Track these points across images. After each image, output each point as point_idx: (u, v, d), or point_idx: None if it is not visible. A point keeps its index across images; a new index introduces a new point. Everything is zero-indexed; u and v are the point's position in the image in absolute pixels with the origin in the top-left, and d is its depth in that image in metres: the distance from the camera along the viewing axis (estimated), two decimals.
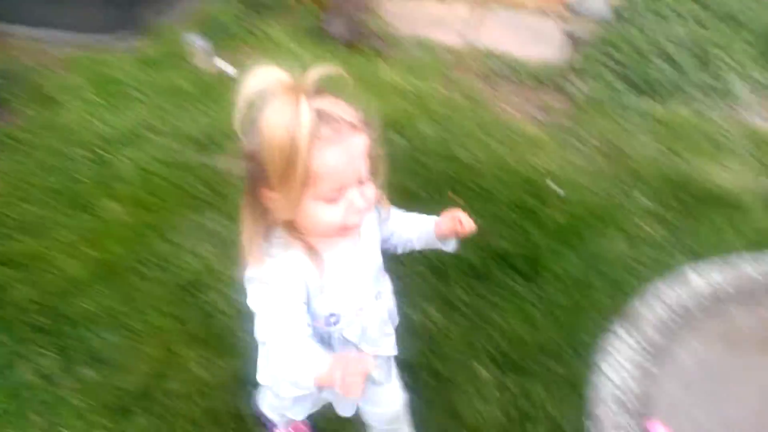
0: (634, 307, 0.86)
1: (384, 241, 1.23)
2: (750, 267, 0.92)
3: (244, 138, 0.97)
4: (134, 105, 2.78)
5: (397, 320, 1.31)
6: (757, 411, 0.79)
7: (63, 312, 1.92)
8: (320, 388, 1.00)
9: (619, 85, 2.99)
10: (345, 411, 1.38)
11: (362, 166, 0.99)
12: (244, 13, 3.38)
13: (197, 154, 2.51)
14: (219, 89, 2.82)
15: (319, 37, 3.23)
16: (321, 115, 0.91)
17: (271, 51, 3.13)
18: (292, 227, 1.04)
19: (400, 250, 1.28)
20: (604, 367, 0.77)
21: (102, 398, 1.72)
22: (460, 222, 1.16)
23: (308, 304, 1.08)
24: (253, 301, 1.05)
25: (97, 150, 2.52)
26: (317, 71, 0.93)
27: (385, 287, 1.25)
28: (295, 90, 0.89)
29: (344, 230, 1.04)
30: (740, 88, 3.01)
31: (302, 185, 0.92)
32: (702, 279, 0.89)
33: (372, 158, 1.02)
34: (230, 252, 2.05)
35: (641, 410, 0.73)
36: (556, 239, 2.22)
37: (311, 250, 1.05)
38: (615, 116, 2.85)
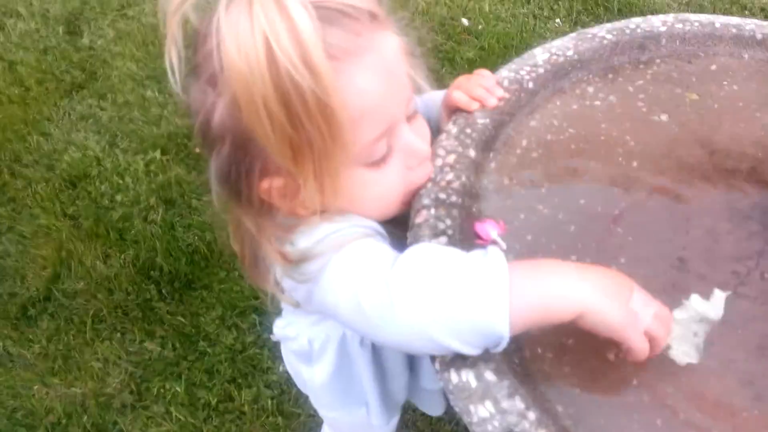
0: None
1: None
2: (604, 32, 0.80)
3: (195, 98, 0.57)
4: None
5: None
6: (605, 189, 0.70)
7: None
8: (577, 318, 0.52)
9: None
10: (434, 408, 1.04)
11: (407, 84, 0.61)
12: None
13: (66, 35, 2.24)
14: None
15: None
16: (320, 15, 0.51)
17: None
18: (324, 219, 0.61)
19: None
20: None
21: (0, 309, 1.62)
22: (480, 97, 0.74)
23: None
24: (332, 274, 0.58)
25: None
26: None
27: None
28: None
29: (405, 202, 0.66)
30: None
31: (331, 147, 0.53)
32: (547, 54, 0.77)
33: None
34: (114, 137, 1.99)
35: (467, 210, 0.64)
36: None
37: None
38: None
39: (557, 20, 2.29)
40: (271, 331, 0.94)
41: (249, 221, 0.63)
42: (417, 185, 0.66)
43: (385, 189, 0.63)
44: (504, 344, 0.51)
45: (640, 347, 0.54)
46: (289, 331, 0.83)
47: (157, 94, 2.05)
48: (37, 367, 1.51)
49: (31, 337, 1.56)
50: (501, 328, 0.50)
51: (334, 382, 0.82)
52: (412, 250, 0.56)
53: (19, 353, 1.53)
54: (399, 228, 0.67)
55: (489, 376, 0.52)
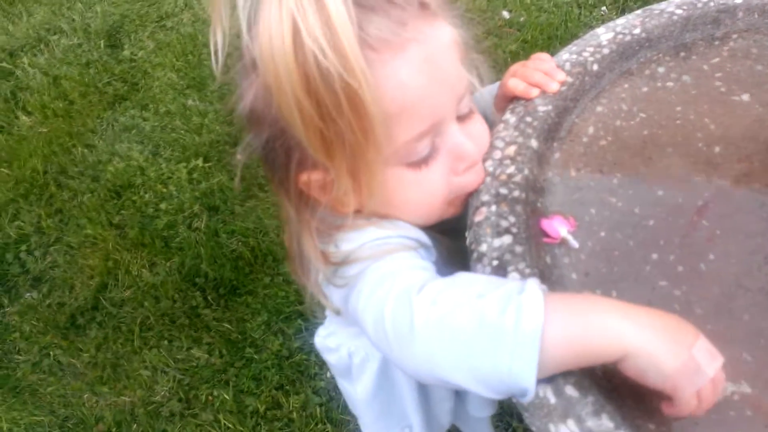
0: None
1: None
2: (674, 7, 0.72)
3: (240, 80, 0.55)
4: (32, 8, 2.49)
5: None
6: (686, 178, 0.63)
7: None
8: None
9: None
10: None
11: (459, 81, 0.55)
12: None
13: (108, 48, 2.27)
14: None
15: None
16: (362, 2, 0.47)
17: None
18: (365, 216, 0.58)
19: None
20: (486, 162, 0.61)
21: (50, 318, 1.64)
22: (540, 83, 0.67)
23: None
24: (366, 284, 0.53)
25: None
26: None
27: None
28: None
29: (454, 204, 0.61)
30: None
31: (364, 143, 0.49)
32: (611, 33, 0.71)
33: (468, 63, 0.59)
34: (157, 147, 2.00)
35: (532, 205, 0.58)
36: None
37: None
38: None
39: (603, 8, 2.19)
40: None
41: (290, 210, 0.60)
42: (464, 191, 0.60)
43: (426, 192, 0.57)
44: (531, 396, 0.45)
45: (689, 406, 0.44)
46: (330, 341, 0.79)
47: (198, 102, 2.05)
48: (86, 375, 1.51)
49: (80, 346, 1.57)
50: (526, 383, 0.44)
51: (375, 402, 0.77)
52: (442, 281, 0.49)
53: (69, 362, 1.55)
54: (447, 235, 0.62)
55: (570, 391, 0.46)
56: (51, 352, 1.56)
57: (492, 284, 0.47)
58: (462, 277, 0.50)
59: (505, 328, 0.43)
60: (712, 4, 0.74)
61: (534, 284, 0.46)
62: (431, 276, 0.52)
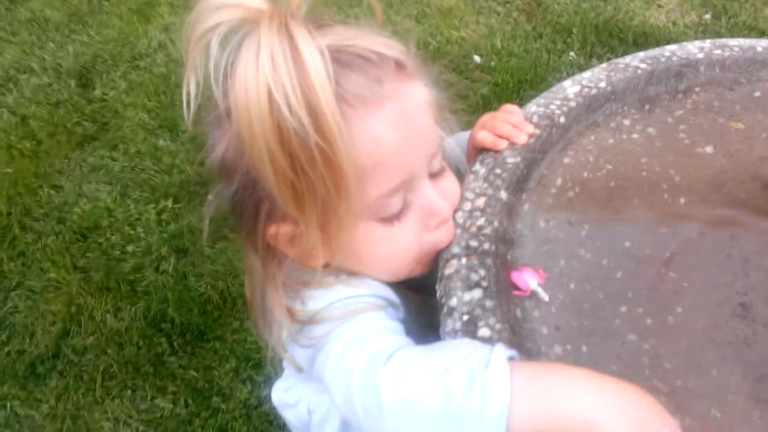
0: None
1: None
2: (638, 61, 0.74)
3: (212, 128, 0.55)
4: (2, 47, 2.46)
5: None
6: (652, 229, 0.63)
7: None
8: None
9: None
10: None
11: (432, 139, 0.57)
12: None
13: (79, 88, 2.25)
14: (91, 12, 2.52)
15: None
16: (340, 58, 0.49)
17: None
18: (333, 271, 0.58)
19: None
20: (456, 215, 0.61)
21: (8, 367, 1.56)
22: (508, 135, 0.68)
23: None
24: (332, 351, 0.52)
25: None
26: None
27: None
28: (281, 20, 0.46)
29: (422, 263, 0.61)
30: None
31: (336, 198, 0.50)
32: (577, 86, 0.72)
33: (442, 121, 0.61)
34: (125, 187, 1.97)
35: (502, 258, 0.58)
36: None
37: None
38: None
39: (571, 53, 2.26)
40: None
41: (256, 263, 0.59)
42: (435, 248, 0.61)
43: (396, 248, 0.57)
44: None
45: None
46: (288, 396, 0.76)
47: (169, 142, 2.03)
48: (45, 429, 1.44)
49: (39, 396, 1.50)
50: None
51: None
52: (409, 351, 0.49)
53: (27, 414, 1.47)
54: (414, 291, 0.62)
55: None
56: (8, 404, 1.48)
57: (459, 354, 0.46)
58: (429, 345, 0.49)
59: (472, 412, 0.42)
60: (674, 58, 0.77)
61: (500, 355, 0.45)
62: (399, 340, 0.51)
